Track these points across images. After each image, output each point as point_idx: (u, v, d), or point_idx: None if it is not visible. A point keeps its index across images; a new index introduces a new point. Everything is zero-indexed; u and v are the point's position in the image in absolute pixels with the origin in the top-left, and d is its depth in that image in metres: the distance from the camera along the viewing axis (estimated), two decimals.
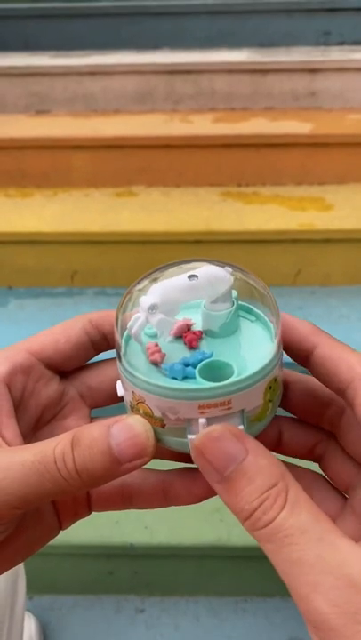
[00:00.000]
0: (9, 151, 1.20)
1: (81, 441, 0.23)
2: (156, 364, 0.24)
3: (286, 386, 0.27)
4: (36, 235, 1.09)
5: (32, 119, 1.29)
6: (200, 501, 0.26)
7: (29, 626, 0.84)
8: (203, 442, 0.22)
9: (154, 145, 1.18)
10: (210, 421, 0.23)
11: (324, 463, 0.28)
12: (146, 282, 0.26)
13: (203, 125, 1.22)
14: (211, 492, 0.25)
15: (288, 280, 1.09)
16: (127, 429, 0.23)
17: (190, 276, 0.24)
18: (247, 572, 0.86)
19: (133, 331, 0.24)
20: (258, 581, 0.86)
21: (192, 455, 0.22)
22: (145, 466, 0.24)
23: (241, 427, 0.23)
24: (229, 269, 0.25)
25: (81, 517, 0.28)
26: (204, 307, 0.25)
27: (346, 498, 0.27)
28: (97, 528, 0.84)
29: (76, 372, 0.29)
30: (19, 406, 0.27)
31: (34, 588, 0.88)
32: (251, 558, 0.81)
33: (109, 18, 1.44)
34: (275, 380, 0.24)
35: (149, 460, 0.24)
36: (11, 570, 0.61)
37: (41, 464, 0.22)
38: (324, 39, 1.38)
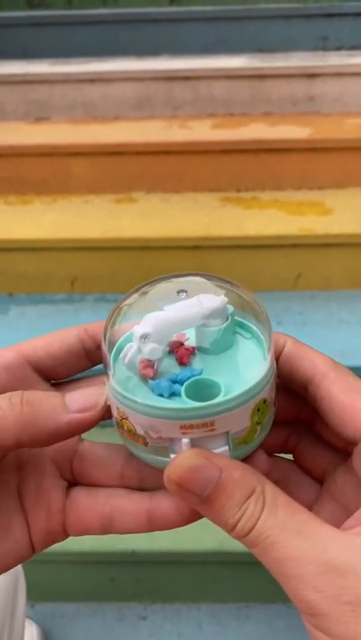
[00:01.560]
0: (8, 158, 1.21)
1: (35, 390, 0.24)
2: (146, 378, 0.24)
3: None
4: (35, 241, 1.09)
5: (31, 126, 1.30)
6: (188, 523, 0.25)
7: (31, 634, 0.83)
8: (178, 474, 0.22)
9: (153, 151, 1.19)
10: (193, 442, 0.22)
11: (297, 453, 0.28)
12: (135, 295, 0.26)
13: (202, 131, 1.22)
14: (199, 514, 0.25)
15: (288, 285, 1.09)
16: (85, 389, 0.24)
17: (179, 292, 0.25)
18: (249, 579, 0.86)
19: (126, 360, 0.24)
20: (260, 588, 0.86)
21: (168, 487, 0.22)
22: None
23: (226, 447, 0.23)
24: (223, 296, 0.25)
25: (57, 541, 0.27)
26: None
27: (321, 483, 0.27)
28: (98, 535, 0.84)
29: (70, 382, 0.29)
30: None
31: (35, 595, 0.88)
32: (253, 564, 0.81)
33: (108, 25, 1.45)
34: (263, 401, 0.24)
35: (96, 419, 0.24)
36: (10, 576, 0.61)
37: None
38: (323, 44, 1.39)
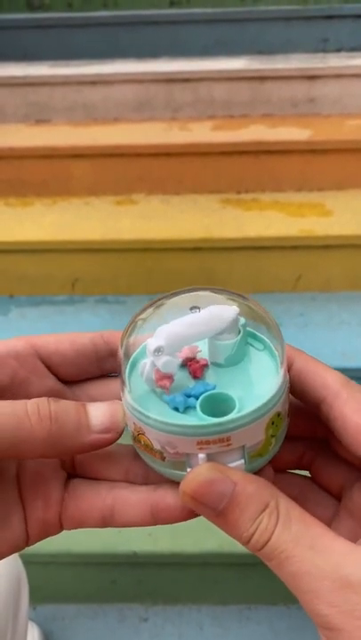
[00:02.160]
0: (9, 160, 1.21)
1: (59, 400, 0.24)
2: (163, 389, 0.24)
3: None
4: (36, 243, 1.09)
5: (32, 128, 1.30)
6: (193, 517, 0.25)
7: (33, 635, 0.84)
8: (192, 488, 0.22)
9: (153, 153, 1.19)
10: (210, 457, 0.23)
11: (314, 470, 0.28)
12: (150, 310, 0.26)
13: (202, 133, 1.22)
14: None
15: (288, 286, 1.09)
16: (103, 404, 0.24)
17: (192, 308, 0.25)
18: (251, 580, 0.86)
19: (144, 377, 0.24)
20: (262, 589, 0.86)
21: (183, 500, 0.23)
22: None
23: (241, 461, 0.23)
24: (235, 307, 0.25)
25: (51, 534, 0.26)
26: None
27: (339, 499, 0.27)
28: (100, 536, 0.84)
29: (80, 381, 0.29)
30: (6, 392, 0.26)
31: (37, 597, 0.88)
32: (255, 566, 0.81)
33: (108, 27, 1.45)
34: (278, 414, 0.24)
35: (116, 440, 0.24)
36: (13, 578, 0.61)
37: (9, 407, 0.23)
38: (323, 46, 1.39)
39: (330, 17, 1.36)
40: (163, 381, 0.24)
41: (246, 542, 0.22)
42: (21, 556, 0.64)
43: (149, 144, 1.19)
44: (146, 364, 0.24)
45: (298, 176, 1.19)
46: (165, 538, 0.83)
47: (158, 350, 0.23)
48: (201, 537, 0.82)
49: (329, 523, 0.27)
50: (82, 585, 0.90)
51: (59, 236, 1.10)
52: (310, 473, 0.28)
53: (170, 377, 0.24)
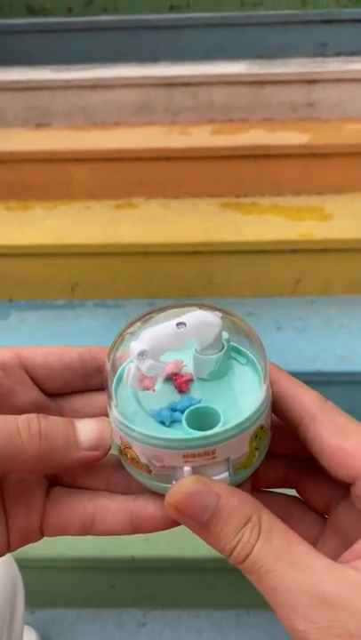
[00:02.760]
0: (9, 164, 1.21)
1: (48, 416, 0.24)
2: (147, 389, 0.25)
3: None
4: (36, 247, 1.09)
5: (32, 132, 1.30)
6: (172, 526, 0.25)
7: None
8: (177, 500, 0.23)
9: (153, 157, 1.19)
10: (195, 470, 0.23)
11: (300, 488, 0.28)
12: (138, 324, 0.26)
13: (201, 137, 1.23)
14: None
15: (288, 290, 1.09)
16: (91, 421, 0.25)
17: (178, 324, 0.25)
18: (249, 585, 0.85)
19: (129, 382, 0.25)
20: (260, 594, 0.86)
21: (168, 511, 0.23)
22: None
23: (226, 474, 0.24)
24: (218, 314, 0.25)
25: (31, 541, 0.27)
26: (195, 350, 0.25)
27: (325, 518, 0.27)
28: (97, 541, 0.84)
29: (64, 394, 0.29)
30: None
31: (35, 602, 0.88)
32: None
33: (109, 32, 1.46)
34: (261, 428, 0.24)
35: (103, 457, 0.25)
36: (8, 581, 0.61)
37: (1, 421, 0.23)
38: (322, 50, 1.40)
39: (329, 21, 1.36)
40: (145, 382, 0.24)
41: (228, 555, 0.23)
42: (19, 561, 0.64)
43: (149, 148, 1.19)
44: (130, 368, 0.24)
45: (297, 180, 1.19)
46: (163, 542, 0.83)
47: (142, 354, 0.24)
48: (199, 541, 0.82)
49: (315, 541, 0.27)
50: (80, 589, 0.90)
51: (59, 240, 1.10)
52: (297, 491, 0.29)
53: (152, 378, 0.24)
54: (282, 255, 1.07)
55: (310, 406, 0.25)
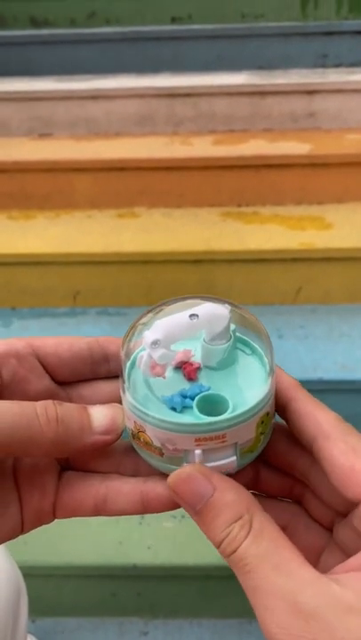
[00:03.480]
0: (12, 174, 1.22)
1: (63, 403, 0.26)
2: (158, 375, 0.26)
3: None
4: (38, 256, 1.10)
5: (35, 142, 1.31)
6: (179, 507, 0.26)
7: None
8: (174, 482, 0.24)
9: (155, 167, 1.20)
10: (205, 453, 0.25)
11: (304, 503, 0.29)
12: (150, 315, 0.28)
13: (203, 147, 1.24)
14: None
15: (289, 298, 1.10)
16: (104, 407, 0.26)
17: (191, 316, 0.26)
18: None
19: (142, 369, 0.26)
20: None
21: (169, 489, 0.25)
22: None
23: (233, 457, 0.25)
24: (228, 306, 0.27)
25: (43, 523, 0.28)
26: (204, 340, 0.27)
27: (331, 530, 0.28)
28: (100, 549, 0.84)
29: (72, 382, 0.30)
30: (6, 389, 0.27)
31: (36, 610, 0.88)
32: None
33: (111, 43, 1.47)
34: (267, 414, 0.26)
35: (115, 441, 0.26)
36: (13, 590, 0.61)
37: (20, 407, 0.24)
38: (322, 61, 1.41)
39: (329, 33, 1.37)
40: (157, 369, 0.26)
41: (217, 546, 0.23)
42: (21, 569, 0.64)
43: (151, 158, 1.20)
44: (143, 355, 0.26)
45: (298, 190, 1.20)
46: (165, 551, 0.83)
47: (155, 343, 0.25)
48: (201, 550, 0.82)
49: (321, 550, 0.27)
50: (82, 598, 0.90)
51: (61, 248, 1.11)
52: (302, 504, 0.29)
53: (163, 366, 0.26)
54: (283, 264, 1.08)
55: (326, 424, 0.26)
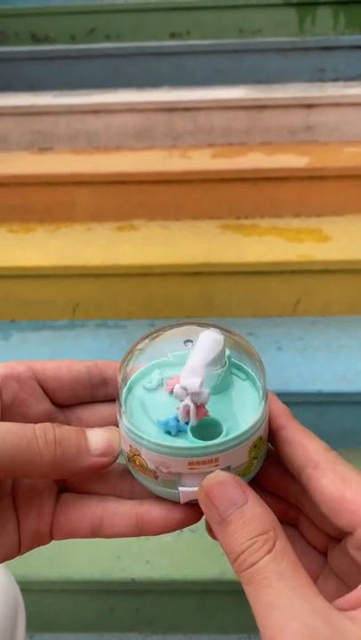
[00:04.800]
0: (12, 187, 1.23)
1: (61, 425, 0.26)
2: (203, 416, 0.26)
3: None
4: (38, 269, 1.10)
5: (35, 156, 1.32)
6: (176, 529, 0.27)
7: None
8: (210, 484, 0.24)
9: (154, 180, 1.21)
10: (198, 477, 0.25)
11: (299, 526, 0.29)
12: (146, 341, 0.29)
13: (201, 160, 1.24)
14: (187, 520, 0.27)
15: (288, 310, 1.10)
16: (101, 430, 0.27)
17: (186, 342, 0.27)
18: (251, 608, 0.84)
19: (191, 419, 0.25)
20: None
21: (198, 496, 0.25)
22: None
23: None
24: (222, 333, 0.27)
25: (40, 544, 0.28)
26: None
27: (326, 555, 0.28)
28: (98, 563, 0.83)
29: (71, 405, 0.30)
30: (6, 411, 0.28)
31: (34, 625, 0.87)
32: None
33: (111, 58, 1.49)
34: (260, 438, 0.26)
35: (112, 463, 0.27)
36: (10, 605, 0.61)
37: (21, 429, 0.25)
38: (320, 76, 1.42)
39: (326, 48, 1.39)
40: (202, 411, 0.26)
41: (234, 559, 0.23)
42: (19, 584, 0.64)
43: (150, 171, 1.21)
44: (185, 407, 0.25)
45: (296, 202, 1.20)
46: (164, 565, 0.82)
47: (201, 385, 0.25)
48: (200, 564, 0.82)
49: (316, 578, 0.27)
50: (79, 613, 0.89)
51: (61, 261, 1.11)
52: (297, 528, 0.29)
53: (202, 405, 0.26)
54: (282, 276, 1.08)
55: (314, 454, 0.26)
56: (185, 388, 0.25)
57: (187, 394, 0.25)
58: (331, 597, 0.23)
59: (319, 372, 0.96)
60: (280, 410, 0.28)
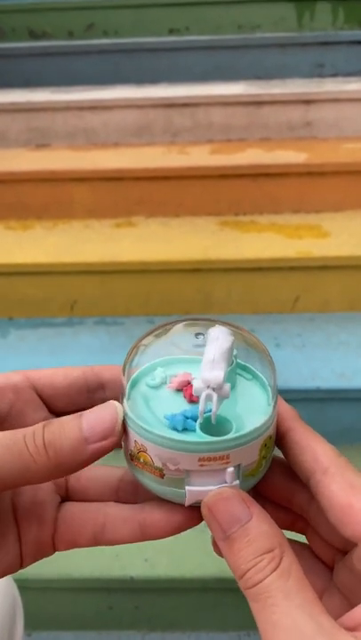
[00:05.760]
0: (10, 184, 1.22)
1: (53, 422, 0.25)
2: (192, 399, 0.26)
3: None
4: (36, 265, 1.10)
5: (33, 153, 1.32)
6: (177, 532, 0.26)
7: None
8: (213, 501, 0.24)
9: (153, 176, 1.20)
10: (207, 475, 0.24)
11: (308, 537, 0.28)
12: (151, 338, 0.28)
13: (200, 157, 1.24)
14: (189, 522, 0.26)
15: (287, 307, 1.10)
16: (99, 410, 0.25)
17: (197, 334, 0.27)
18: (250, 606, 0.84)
19: (213, 411, 0.25)
20: None
21: (202, 512, 0.24)
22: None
23: (237, 481, 0.25)
24: (231, 330, 0.27)
25: (43, 556, 0.27)
26: None
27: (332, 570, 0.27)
28: (97, 561, 0.83)
29: (68, 411, 0.30)
30: (3, 422, 0.27)
31: (33, 623, 0.87)
32: None
33: (109, 54, 1.48)
34: (270, 437, 0.26)
35: (116, 444, 0.25)
36: (7, 604, 0.60)
37: (10, 440, 0.24)
38: (319, 71, 1.42)
39: (325, 43, 1.38)
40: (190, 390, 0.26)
41: (240, 576, 0.23)
42: (17, 582, 0.63)
43: (149, 168, 1.20)
44: (209, 397, 0.25)
45: (295, 198, 1.20)
46: (163, 563, 0.82)
47: (224, 378, 0.24)
48: (199, 561, 0.81)
49: (321, 595, 0.27)
50: (78, 611, 0.89)
51: (59, 258, 1.11)
52: (306, 538, 0.28)
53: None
54: (280, 273, 1.08)
55: (324, 458, 0.25)
56: (207, 382, 0.24)
57: (207, 387, 0.24)
58: (335, 614, 0.22)
59: (318, 369, 0.96)
60: (287, 412, 0.27)
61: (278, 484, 0.28)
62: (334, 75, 1.40)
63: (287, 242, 1.11)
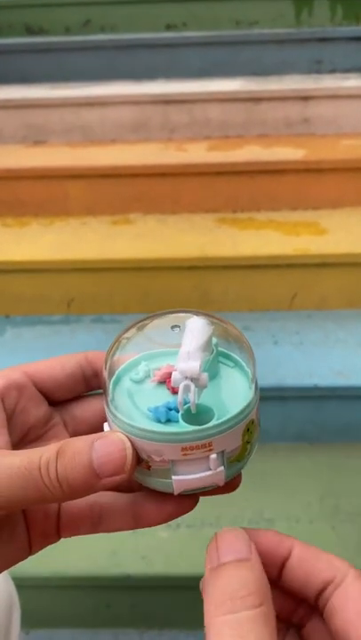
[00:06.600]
0: (6, 181, 1.22)
1: (65, 452, 0.24)
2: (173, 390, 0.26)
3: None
4: (32, 263, 1.09)
5: (29, 150, 1.31)
6: (169, 520, 0.27)
7: None
8: (224, 531, 0.24)
9: (150, 173, 1.20)
10: (192, 464, 0.25)
11: (304, 632, 0.27)
12: (133, 330, 0.29)
13: (198, 153, 1.24)
14: (180, 510, 0.27)
15: (284, 304, 1.10)
16: (109, 445, 0.25)
17: (173, 327, 0.27)
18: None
19: (191, 401, 0.25)
20: None
21: (210, 543, 0.24)
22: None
23: (221, 468, 0.25)
24: (210, 320, 0.27)
25: (50, 543, 0.29)
26: None
27: None
28: (93, 559, 0.83)
29: (64, 402, 0.30)
30: (8, 421, 0.28)
31: (30, 621, 0.87)
32: None
33: (106, 50, 1.47)
34: (252, 422, 0.26)
35: (127, 477, 0.25)
36: (4, 601, 0.60)
37: (27, 470, 0.24)
38: (317, 67, 1.41)
39: (323, 39, 1.38)
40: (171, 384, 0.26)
41: (217, 603, 0.22)
42: (14, 580, 0.63)
43: (146, 165, 1.20)
44: (186, 388, 0.25)
45: (293, 195, 1.20)
46: (160, 561, 0.82)
47: (199, 369, 0.25)
48: (196, 559, 0.81)
49: None
50: (76, 609, 0.89)
51: (55, 255, 1.10)
52: (299, 633, 0.27)
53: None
54: (278, 270, 1.08)
55: (343, 565, 0.24)
56: (184, 373, 0.24)
57: (185, 378, 0.25)
58: None
59: (316, 367, 0.96)
60: (281, 536, 0.26)
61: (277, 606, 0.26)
62: (332, 71, 1.39)
63: (285, 239, 1.10)
